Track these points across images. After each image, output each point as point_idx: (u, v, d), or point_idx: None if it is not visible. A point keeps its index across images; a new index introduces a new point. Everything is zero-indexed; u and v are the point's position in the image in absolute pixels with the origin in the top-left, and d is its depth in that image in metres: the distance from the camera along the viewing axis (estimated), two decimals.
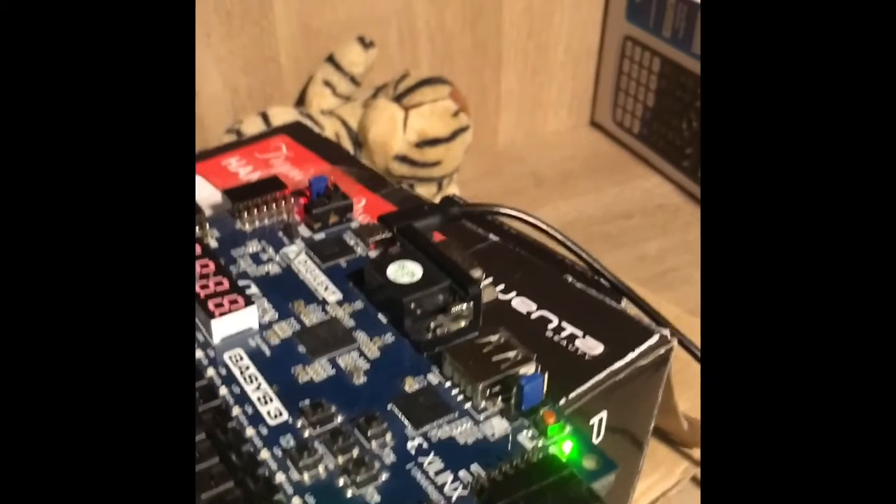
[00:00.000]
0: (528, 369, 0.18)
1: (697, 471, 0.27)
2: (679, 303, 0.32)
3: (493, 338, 0.18)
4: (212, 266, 0.20)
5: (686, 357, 0.23)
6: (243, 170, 0.27)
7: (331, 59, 0.39)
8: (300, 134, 0.29)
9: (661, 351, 0.20)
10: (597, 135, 0.51)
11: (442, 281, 0.20)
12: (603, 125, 0.51)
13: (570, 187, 0.46)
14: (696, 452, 0.28)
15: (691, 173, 0.44)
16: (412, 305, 0.19)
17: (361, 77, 0.39)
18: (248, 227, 0.23)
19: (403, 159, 0.37)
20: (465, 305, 0.19)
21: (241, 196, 0.23)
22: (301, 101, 0.41)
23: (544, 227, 0.24)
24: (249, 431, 0.17)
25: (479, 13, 0.44)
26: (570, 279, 0.22)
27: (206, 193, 0.26)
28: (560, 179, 0.47)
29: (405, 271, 0.20)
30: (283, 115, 0.37)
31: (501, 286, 0.22)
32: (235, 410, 0.17)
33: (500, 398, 0.18)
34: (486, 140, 0.47)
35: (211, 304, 0.19)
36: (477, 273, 0.20)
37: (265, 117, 0.37)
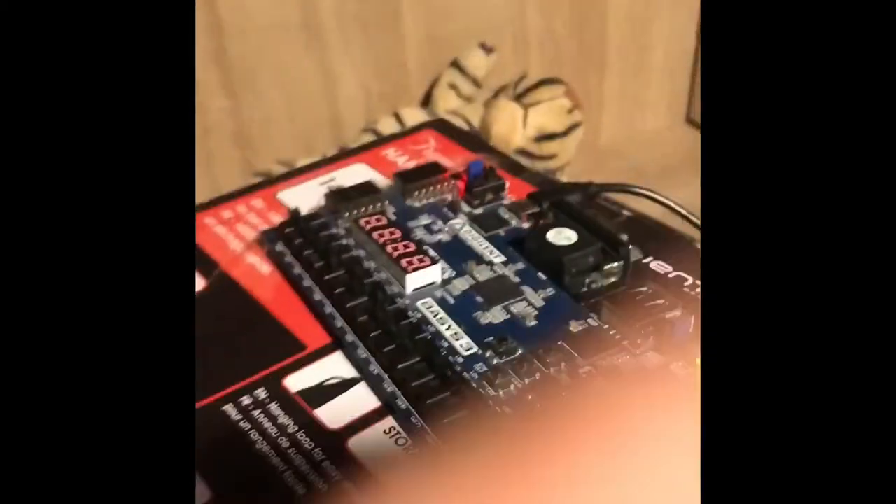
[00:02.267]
0: (677, 312, 0.21)
1: None
2: None
3: (643, 289, 0.22)
4: (398, 232, 0.24)
5: None
6: (400, 158, 0.31)
7: (455, 64, 0.43)
8: (443, 128, 0.33)
9: None
10: (693, 132, 0.53)
11: (595, 244, 0.23)
12: (698, 122, 0.54)
13: (669, 180, 0.49)
14: None
15: None
16: (570, 264, 0.23)
17: (483, 80, 0.43)
18: (417, 204, 0.27)
19: (523, 153, 0.41)
20: (616, 264, 0.23)
21: (411, 178, 0.27)
22: (426, 103, 0.45)
23: (671, 203, 0.27)
24: (449, 360, 0.21)
25: (586, 20, 0.47)
26: (697, 246, 0.26)
27: (375, 179, 0.30)
28: (659, 173, 0.50)
29: (562, 236, 0.24)
30: (413, 115, 0.41)
31: (640, 251, 0.25)
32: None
33: (652, 338, 0.21)
34: (589, 137, 0.51)
35: (404, 262, 0.23)
36: (625, 237, 0.24)
37: (398, 117, 0.42)
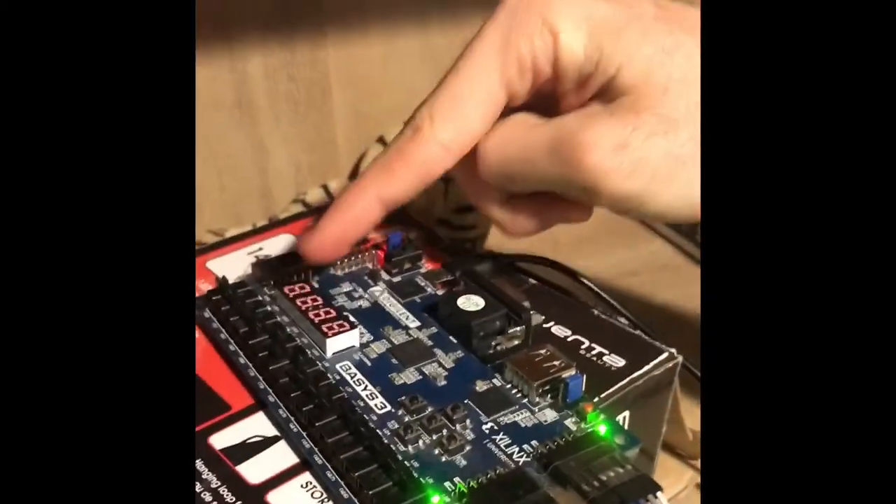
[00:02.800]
0: (571, 372, 0.23)
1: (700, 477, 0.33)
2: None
3: (542, 351, 0.24)
4: (320, 300, 0.26)
5: (693, 380, 0.28)
6: None
7: (381, 140, 0.46)
8: None
9: (669, 365, 0.26)
10: None
11: (500, 310, 0.26)
12: None
13: (582, 250, 0.52)
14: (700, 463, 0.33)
15: (690, 236, 0.50)
16: (478, 328, 0.25)
17: None
18: (340, 273, 0.29)
19: (443, 223, 0.43)
20: (518, 328, 0.25)
21: None
22: (354, 175, 0.47)
23: (573, 271, 0.30)
24: (363, 418, 0.22)
25: None
26: (595, 311, 0.28)
27: None
28: (573, 243, 0.53)
29: (471, 303, 0.26)
30: (341, 186, 0.44)
31: (542, 317, 0.28)
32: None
33: (549, 395, 0.23)
34: None
35: (324, 328, 0.25)
36: (527, 304, 0.26)
37: (326, 188, 0.44)
